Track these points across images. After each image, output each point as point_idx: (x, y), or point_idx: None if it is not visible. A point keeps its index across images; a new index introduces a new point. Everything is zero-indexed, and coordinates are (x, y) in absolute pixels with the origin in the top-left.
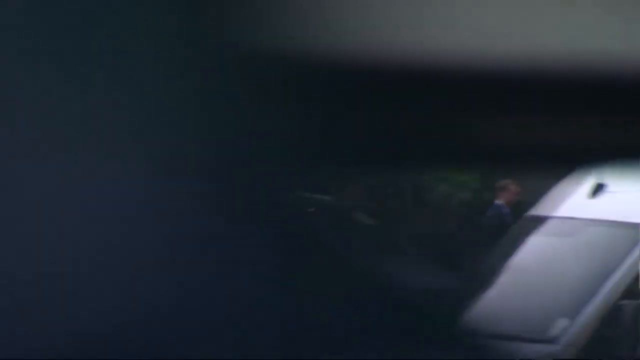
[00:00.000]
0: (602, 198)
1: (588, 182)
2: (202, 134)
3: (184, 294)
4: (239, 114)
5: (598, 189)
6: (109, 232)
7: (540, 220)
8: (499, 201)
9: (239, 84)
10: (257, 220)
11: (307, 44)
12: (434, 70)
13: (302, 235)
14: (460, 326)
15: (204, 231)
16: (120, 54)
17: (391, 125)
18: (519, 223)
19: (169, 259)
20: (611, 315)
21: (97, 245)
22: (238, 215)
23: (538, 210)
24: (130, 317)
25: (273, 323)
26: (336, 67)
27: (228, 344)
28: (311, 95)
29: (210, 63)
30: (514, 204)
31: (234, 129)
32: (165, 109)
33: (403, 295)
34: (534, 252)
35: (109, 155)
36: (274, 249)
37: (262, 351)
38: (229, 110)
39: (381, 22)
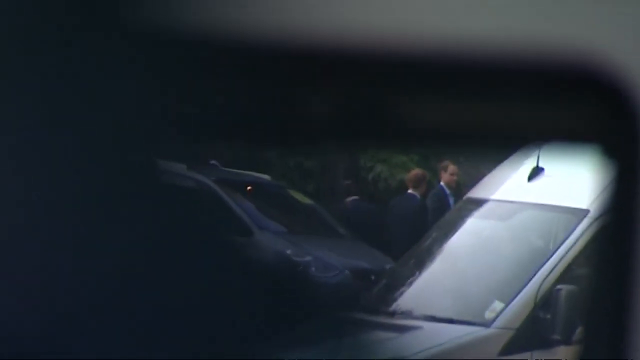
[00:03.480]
0: (540, 181)
1: (526, 166)
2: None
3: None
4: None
5: (536, 172)
6: None
7: (478, 203)
8: (442, 183)
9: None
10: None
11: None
12: (371, 52)
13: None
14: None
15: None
16: None
17: (326, 106)
18: (457, 206)
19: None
20: (546, 300)
21: None
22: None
23: (476, 193)
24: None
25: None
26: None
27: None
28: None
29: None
30: (453, 184)
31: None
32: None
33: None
34: (471, 235)
35: None
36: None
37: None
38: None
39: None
